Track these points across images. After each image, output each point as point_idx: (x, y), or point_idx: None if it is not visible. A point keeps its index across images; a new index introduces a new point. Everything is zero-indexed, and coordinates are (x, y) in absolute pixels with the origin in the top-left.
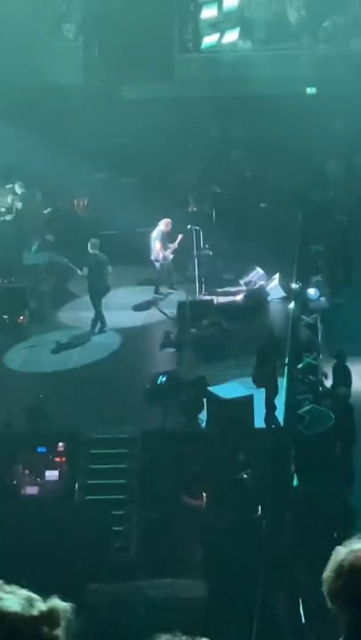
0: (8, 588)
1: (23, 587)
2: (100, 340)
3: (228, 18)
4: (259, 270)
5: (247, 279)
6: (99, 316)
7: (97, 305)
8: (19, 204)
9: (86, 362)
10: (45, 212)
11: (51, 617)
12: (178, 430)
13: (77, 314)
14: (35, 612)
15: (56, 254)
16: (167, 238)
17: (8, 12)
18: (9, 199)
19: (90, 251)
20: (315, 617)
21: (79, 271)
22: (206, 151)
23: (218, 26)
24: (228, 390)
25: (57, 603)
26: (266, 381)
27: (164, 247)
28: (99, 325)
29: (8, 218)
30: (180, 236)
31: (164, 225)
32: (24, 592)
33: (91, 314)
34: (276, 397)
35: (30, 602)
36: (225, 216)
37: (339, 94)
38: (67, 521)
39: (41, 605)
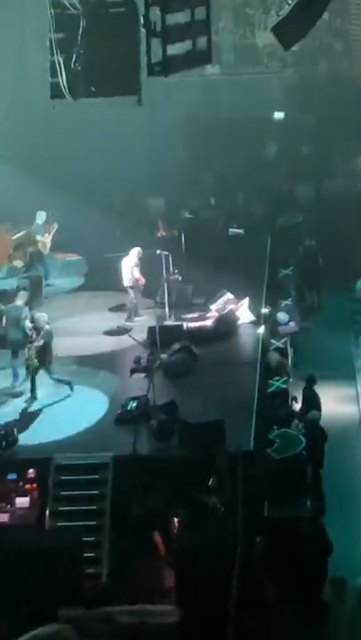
0: None
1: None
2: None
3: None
4: (228, 295)
5: (217, 304)
6: (14, 372)
7: (14, 359)
8: None
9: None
10: (13, 237)
11: None
12: (149, 455)
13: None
14: None
15: (24, 280)
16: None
17: None
18: None
19: (16, 302)
20: None
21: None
22: (175, 175)
23: (186, 49)
24: (198, 415)
25: None
26: None
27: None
28: (14, 381)
29: None
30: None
31: (137, 252)
32: None
33: (58, 340)
34: None
35: None
36: (194, 240)
37: (307, 119)
38: (37, 548)
39: None
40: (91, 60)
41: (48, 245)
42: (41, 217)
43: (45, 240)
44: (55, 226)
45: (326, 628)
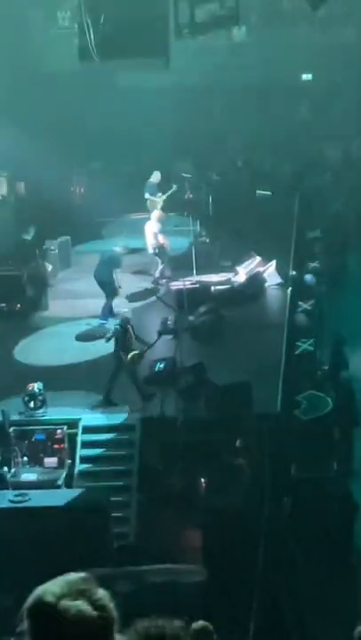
0: None
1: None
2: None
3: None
4: (256, 257)
5: (244, 266)
6: (103, 311)
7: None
8: (11, 193)
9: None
10: (43, 199)
11: None
12: (176, 417)
13: (73, 302)
14: None
15: (52, 242)
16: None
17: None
18: (4, 188)
19: (116, 248)
20: (313, 600)
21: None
22: (202, 138)
23: (214, 12)
24: (225, 376)
25: None
26: None
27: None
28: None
29: (4, 206)
30: None
31: (159, 216)
32: None
33: (84, 301)
34: None
35: None
36: (221, 203)
37: (335, 81)
38: (66, 508)
39: None
40: (119, 21)
41: (159, 205)
42: (156, 176)
43: (157, 200)
44: (174, 187)
45: (353, 589)
